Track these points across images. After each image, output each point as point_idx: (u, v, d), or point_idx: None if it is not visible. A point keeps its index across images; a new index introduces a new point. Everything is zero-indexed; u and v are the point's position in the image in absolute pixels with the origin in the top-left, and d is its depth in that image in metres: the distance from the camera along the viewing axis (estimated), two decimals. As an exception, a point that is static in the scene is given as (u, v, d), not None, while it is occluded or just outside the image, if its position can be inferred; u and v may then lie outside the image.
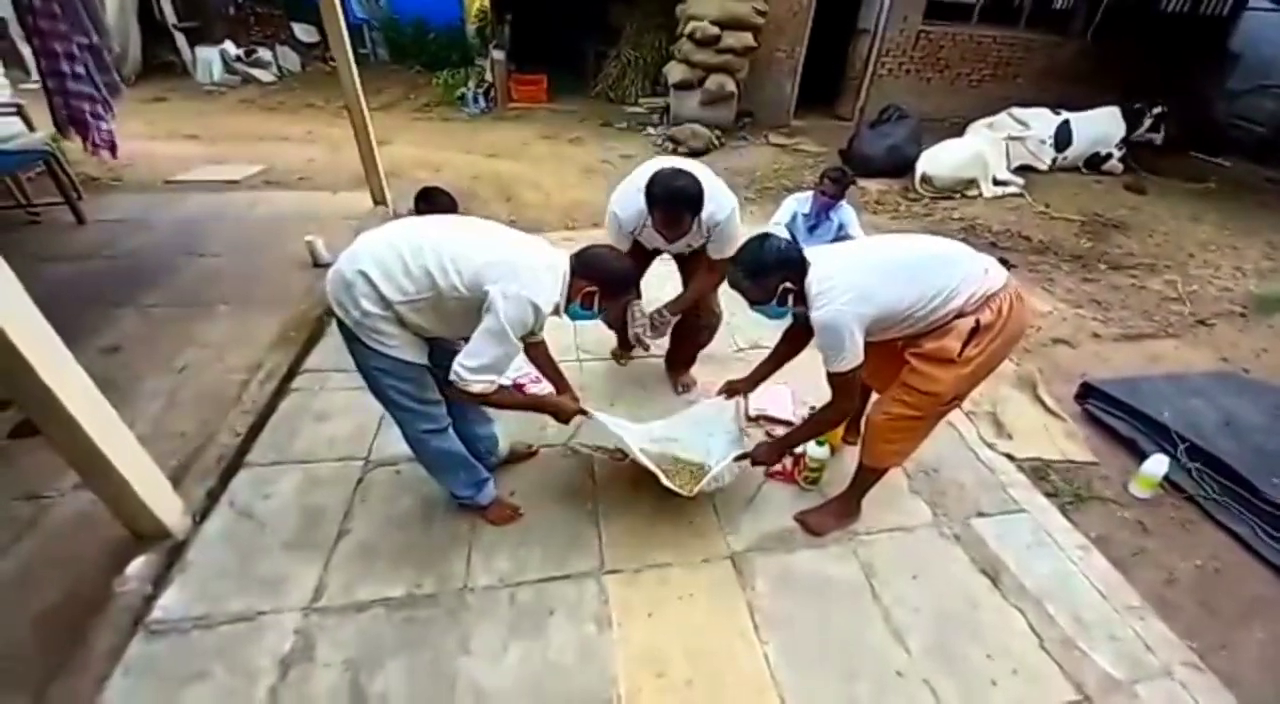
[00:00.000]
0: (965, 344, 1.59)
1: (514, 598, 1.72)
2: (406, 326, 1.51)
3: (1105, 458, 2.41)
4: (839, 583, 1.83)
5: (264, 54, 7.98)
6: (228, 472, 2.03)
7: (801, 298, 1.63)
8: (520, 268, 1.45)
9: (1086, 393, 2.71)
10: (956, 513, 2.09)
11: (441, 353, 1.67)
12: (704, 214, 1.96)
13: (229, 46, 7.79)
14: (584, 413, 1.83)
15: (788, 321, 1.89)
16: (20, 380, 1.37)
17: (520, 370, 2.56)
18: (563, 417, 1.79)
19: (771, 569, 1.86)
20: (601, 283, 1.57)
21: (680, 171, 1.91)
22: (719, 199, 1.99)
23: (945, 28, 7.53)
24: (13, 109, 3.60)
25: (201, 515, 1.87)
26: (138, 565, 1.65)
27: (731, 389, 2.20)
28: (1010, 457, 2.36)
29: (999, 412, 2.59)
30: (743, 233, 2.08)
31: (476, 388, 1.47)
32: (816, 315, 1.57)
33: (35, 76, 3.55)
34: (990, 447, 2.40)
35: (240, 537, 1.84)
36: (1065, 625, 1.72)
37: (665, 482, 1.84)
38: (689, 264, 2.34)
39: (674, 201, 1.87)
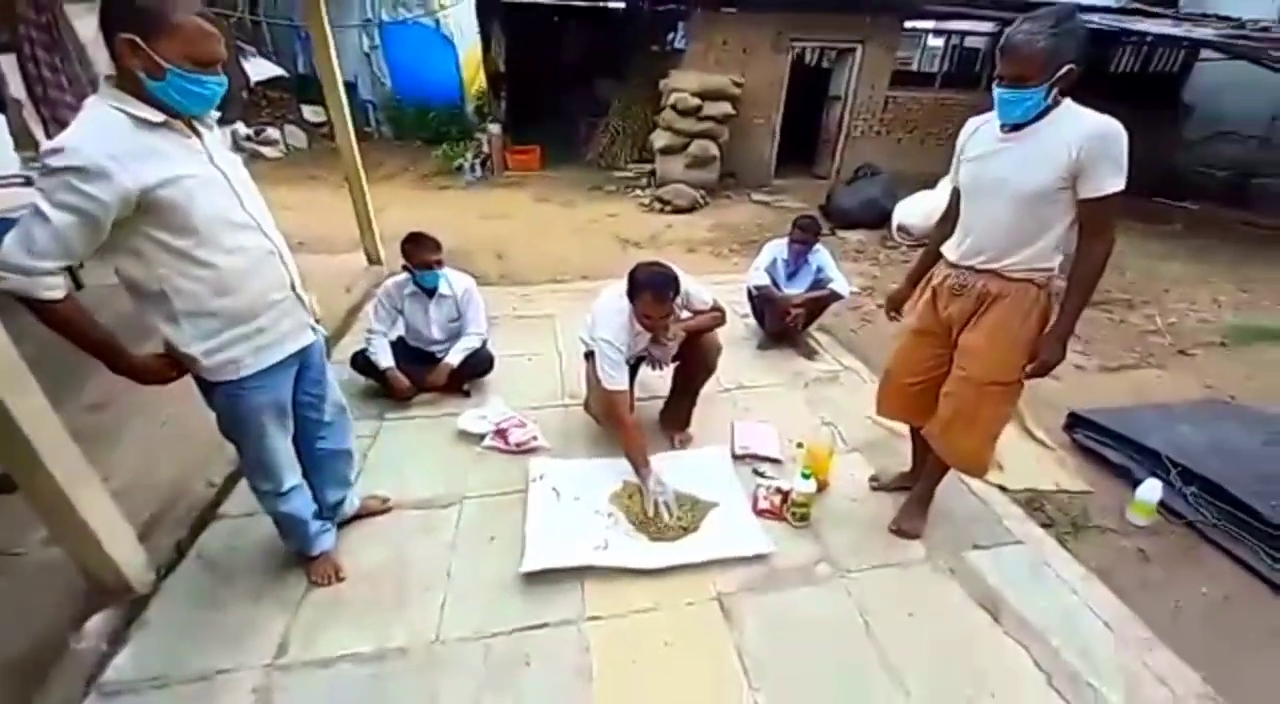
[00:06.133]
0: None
1: (489, 650, 1.63)
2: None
3: (1099, 486, 2.37)
4: (832, 623, 1.75)
5: (272, 133, 8.47)
6: (198, 524, 1.97)
7: (1056, 102, 1.46)
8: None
9: (1074, 423, 2.69)
10: (950, 546, 2.02)
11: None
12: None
13: (240, 127, 8.27)
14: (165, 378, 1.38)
15: (999, 145, 1.59)
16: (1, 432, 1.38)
17: (505, 415, 2.56)
18: (131, 374, 1.33)
19: (761, 610, 1.77)
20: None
21: (652, 262, 2.13)
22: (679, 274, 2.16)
23: (911, 93, 8.07)
24: (21, 180, 3.78)
25: (166, 569, 1.80)
26: (95, 622, 1.57)
27: (898, 297, 2.17)
28: (1002, 488, 2.31)
29: (988, 444, 2.56)
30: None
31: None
32: (1104, 120, 1.41)
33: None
34: (985, 481, 2.35)
35: (204, 590, 1.77)
36: (1072, 660, 1.63)
37: (642, 564, 1.87)
38: (676, 353, 2.37)
39: (660, 281, 2.05)
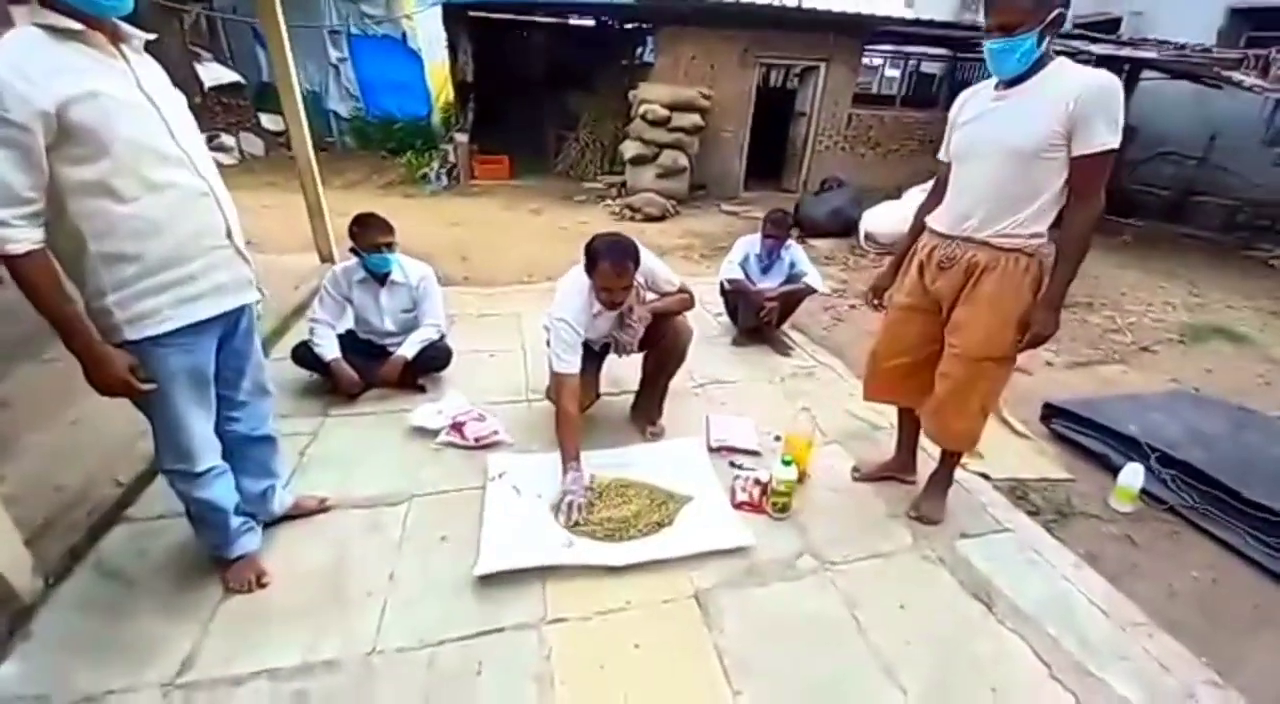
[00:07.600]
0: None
1: (434, 659, 1.43)
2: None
3: (1080, 474, 2.31)
4: (818, 618, 1.61)
5: (227, 139, 8.15)
6: (99, 527, 1.72)
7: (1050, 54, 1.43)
8: None
9: (1051, 413, 2.65)
10: (938, 536, 1.92)
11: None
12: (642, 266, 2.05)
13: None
14: (138, 390, 1.24)
15: (981, 106, 1.58)
16: None
17: (463, 409, 2.37)
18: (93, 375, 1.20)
19: (742, 607, 1.62)
20: None
21: (610, 232, 2.04)
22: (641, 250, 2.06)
23: (872, 111, 8.31)
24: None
25: (57, 577, 1.55)
26: (-38, 637, 1.32)
27: (881, 284, 2.06)
28: (985, 476, 2.24)
29: (967, 434, 2.49)
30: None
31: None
32: (1102, 73, 1.37)
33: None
34: (962, 467, 2.26)
35: (103, 600, 1.52)
36: (1072, 649, 1.52)
37: (610, 560, 1.71)
38: (645, 341, 2.24)
39: (617, 249, 1.94)
